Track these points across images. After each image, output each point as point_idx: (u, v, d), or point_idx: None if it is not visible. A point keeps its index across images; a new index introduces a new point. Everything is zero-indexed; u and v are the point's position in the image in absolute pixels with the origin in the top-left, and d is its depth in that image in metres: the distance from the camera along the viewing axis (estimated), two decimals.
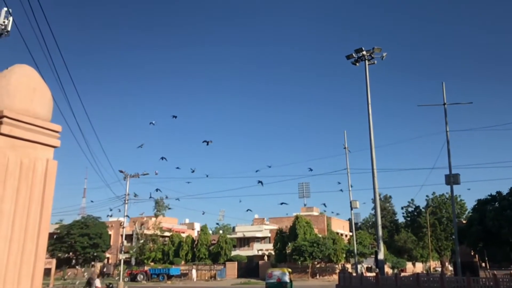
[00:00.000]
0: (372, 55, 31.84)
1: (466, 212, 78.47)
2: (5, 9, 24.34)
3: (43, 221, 3.09)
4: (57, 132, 3.31)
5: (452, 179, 28.85)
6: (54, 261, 51.57)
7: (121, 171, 46.04)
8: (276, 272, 31.97)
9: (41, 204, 3.10)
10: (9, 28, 24.73)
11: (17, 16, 22.47)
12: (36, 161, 3.10)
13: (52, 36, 24.07)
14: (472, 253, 61.39)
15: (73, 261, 68.35)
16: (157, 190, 48.97)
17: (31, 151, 3.09)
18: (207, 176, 42.14)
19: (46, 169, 3.16)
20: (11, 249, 2.88)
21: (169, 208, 69.91)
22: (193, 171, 40.34)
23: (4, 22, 24.60)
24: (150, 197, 56.57)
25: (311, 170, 43.98)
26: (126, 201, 45.35)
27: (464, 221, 63.88)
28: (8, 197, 2.90)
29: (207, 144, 31.74)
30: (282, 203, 62.33)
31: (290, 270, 33.62)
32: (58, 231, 67.05)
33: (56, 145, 3.28)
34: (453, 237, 39.39)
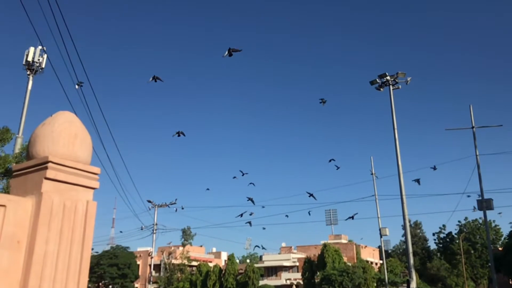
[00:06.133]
0: (396, 80, 31.71)
1: (502, 238, 75.57)
2: (40, 47, 25.57)
3: (83, 261, 3.23)
4: (96, 174, 3.48)
5: (485, 204, 28.05)
6: None
7: (149, 201, 46.63)
8: None
9: (82, 245, 3.24)
10: (43, 65, 25.92)
11: (50, 52, 23.49)
12: (77, 203, 3.27)
13: (84, 72, 24.99)
14: (511, 282, 58.81)
15: None
16: (182, 208, 48.20)
17: (73, 193, 3.27)
18: (250, 200, 39.06)
19: (86, 211, 3.32)
20: None
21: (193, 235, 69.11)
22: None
23: (39, 59, 25.81)
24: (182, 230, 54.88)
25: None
26: (154, 231, 45.70)
27: (500, 248, 61.49)
28: (52, 238, 3.06)
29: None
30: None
31: None
32: None
33: (95, 187, 3.45)
34: (489, 264, 37.97)
